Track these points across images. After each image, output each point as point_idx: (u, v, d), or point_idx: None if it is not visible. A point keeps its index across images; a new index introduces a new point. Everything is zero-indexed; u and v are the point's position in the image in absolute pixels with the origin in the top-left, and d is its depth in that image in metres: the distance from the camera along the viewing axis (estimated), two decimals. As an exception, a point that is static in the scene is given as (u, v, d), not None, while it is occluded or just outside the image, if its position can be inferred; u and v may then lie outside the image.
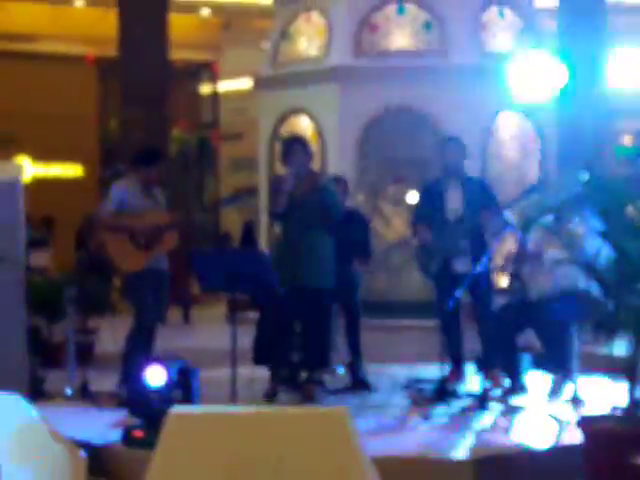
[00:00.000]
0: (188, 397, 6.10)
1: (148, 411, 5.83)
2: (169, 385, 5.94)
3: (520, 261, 7.17)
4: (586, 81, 13.67)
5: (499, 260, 8.24)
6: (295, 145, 7.19)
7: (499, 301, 7.43)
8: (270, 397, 6.97)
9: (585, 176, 7.00)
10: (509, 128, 13.64)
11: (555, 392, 6.86)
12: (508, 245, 11.16)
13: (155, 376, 5.94)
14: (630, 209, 5.54)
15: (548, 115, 13.60)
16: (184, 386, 6.16)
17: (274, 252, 7.66)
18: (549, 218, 7.03)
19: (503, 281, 11.51)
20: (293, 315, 7.07)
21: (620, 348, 5.76)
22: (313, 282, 6.95)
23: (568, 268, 6.76)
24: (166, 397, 5.84)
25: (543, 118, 13.58)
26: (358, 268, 7.75)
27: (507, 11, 13.68)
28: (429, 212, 7.49)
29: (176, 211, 7.63)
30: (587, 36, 14.15)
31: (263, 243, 13.82)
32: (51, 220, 16.03)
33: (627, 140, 17.58)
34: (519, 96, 12.77)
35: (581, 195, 6.89)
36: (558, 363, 6.89)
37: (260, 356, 7.14)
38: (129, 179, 7.51)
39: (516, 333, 7.08)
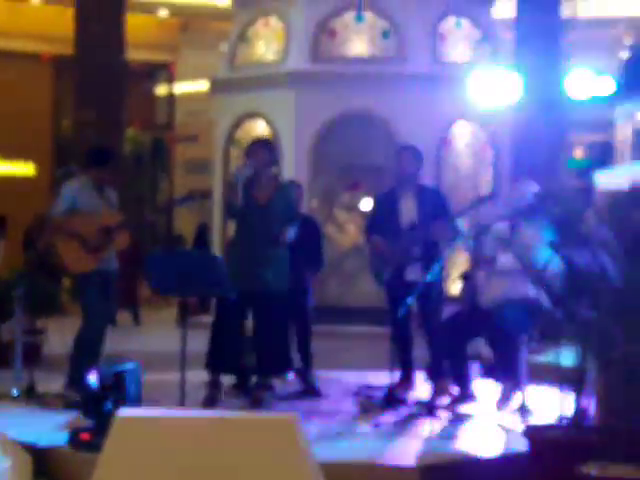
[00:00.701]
0: (122, 400, 6.03)
1: (99, 413, 5.79)
2: (103, 387, 5.91)
3: (474, 267, 7.21)
4: (541, 93, 13.81)
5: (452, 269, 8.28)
6: (258, 144, 7.23)
7: (450, 309, 7.47)
8: (209, 404, 6.91)
9: (537, 187, 7.07)
10: (464, 137, 13.74)
11: (504, 401, 6.91)
12: (459, 254, 11.24)
13: (92, 379, 5.93)
14: (580, 221, 5.60)
15: (503, 125, 13.72)
16: (119, 389, 6.11)
17: (228, 255, 7.62)
18: (502, 227, 7.08)
19: (454, 289, 11.58)
20: (244, 319, 7.05)
21: (567, 358, 5.81)
22: (268, 287, 6.93)
23: (519, 277, 6.82)
24: (102, 399, 5.82)
25: (498, 128, 13.70)
26: (309, 275, 7.76)
27: (465, 21, 13.79)
28: (382, 220, 7.51)
29: (128, 211, 7.58)
30: (543, 48, 14.29)
31: (216, 245, 13.78)
32: (3, 219, 15.84)
33: (578, 152, 17.77)
34: (475, 106, 12.88)
35: (533, 206, 6.96)
36: (507, 372, 6.94)
37: (214, 363, 7.07)
38: (81, 179, 7.45)
39: (466, 341, 7.11)
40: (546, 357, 7.22)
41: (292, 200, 7.20)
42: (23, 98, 20.91)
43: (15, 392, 7.29)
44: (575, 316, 5.41)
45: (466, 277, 7.36)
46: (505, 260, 6.92)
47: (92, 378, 5.91)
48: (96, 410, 5.87)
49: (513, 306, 6.79)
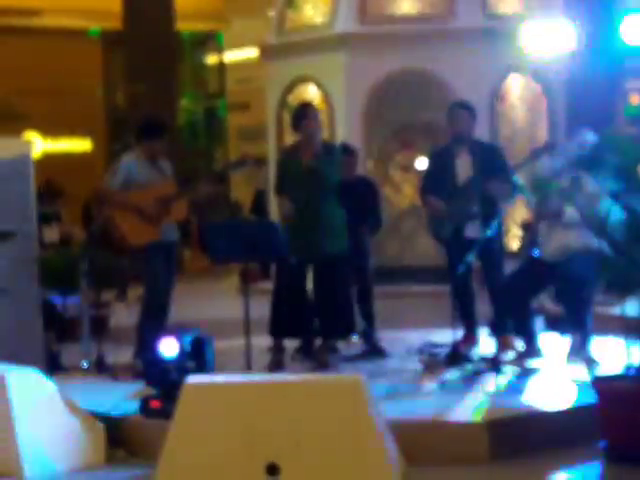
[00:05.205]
0: (202, 367, 6.12)
1: (164, 382, 5.87)
2: (183, 355, 5.96)
3: (537, 220, 7.14)
4: (594, 40, 13.57)
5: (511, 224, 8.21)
6: (299, 112, 7.13)
7: (510, 264, 7.43)
8: (275, 368, 6.97)
9: (595, 137, 6.97)
10: (517, 90, 13.58)
11: (573, 353, 6.85)
12: (519, 208, 11.15)
13: (169, 347, 5.96)
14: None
15: (557, 76, 13.53)
16: (197, 356, 6.19)
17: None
18: (563, 179, 6.99)
19: (514, 244, 11.51)
20: (305, 283, 7.08)
21: (632, 308, 5.76)
22: (327, 250, 6.95)
23: (582, 228, 6.75)
24: (180, 367, 5.87)
25: (552, 79, 13.51)
26: (368, 236, 7.76)
27: (513, -28, 13.57)
28: (439, 178, 7.47)
29: (184, 182, 7.62)
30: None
31: (273, 212, 13.82)
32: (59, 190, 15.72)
33: (635, 99, 17.45)
34: (528, 58, 12.71)
35: (591, 156, 6.86)
36: (575, 324, 6.89)
37: (277, 328, 7.12)
38: (135, 152, 7.50)
39: (531, 295, 7.06)
40: (611, 308, 7.16)
41: (337, 162, 7.11)
42: (75, 74, 21.07)
43: (85, 364, 7.42)
44: (638, 265, 5.35)
45: (526, 227, 7.30)
46: (571, 212, 6.84)
47: (169, 347, 5.96)
48: (161, 379, 5.94)
49: (578, 258, 6.73)
